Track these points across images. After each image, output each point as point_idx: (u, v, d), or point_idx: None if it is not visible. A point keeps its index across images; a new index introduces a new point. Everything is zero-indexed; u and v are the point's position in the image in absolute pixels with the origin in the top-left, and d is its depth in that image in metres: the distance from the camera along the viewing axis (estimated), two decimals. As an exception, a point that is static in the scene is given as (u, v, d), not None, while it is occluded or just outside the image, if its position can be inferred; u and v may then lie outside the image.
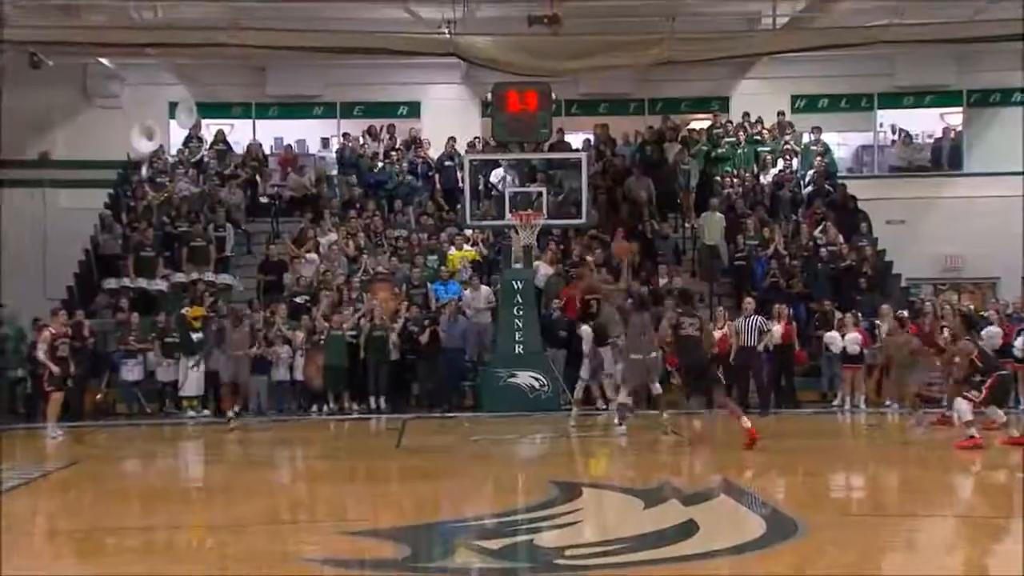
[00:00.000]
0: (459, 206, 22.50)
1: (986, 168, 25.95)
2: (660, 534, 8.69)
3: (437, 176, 24.49)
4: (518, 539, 8.65)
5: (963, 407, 13.44)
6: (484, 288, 20.44)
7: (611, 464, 14.21)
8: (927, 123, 26.87)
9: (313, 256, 21.68)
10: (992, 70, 25.86)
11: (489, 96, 22.65)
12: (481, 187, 21.99)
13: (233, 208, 23.41)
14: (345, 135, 25.41)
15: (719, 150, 24.82)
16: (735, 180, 24.18)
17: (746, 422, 13.78)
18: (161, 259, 21.77)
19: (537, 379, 19.35)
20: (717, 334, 18.37)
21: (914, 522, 9.68)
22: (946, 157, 26.58)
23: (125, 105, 25.77)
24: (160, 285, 21.42)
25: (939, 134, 26.79)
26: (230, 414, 18.34)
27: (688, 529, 8.79)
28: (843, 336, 19.46)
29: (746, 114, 25.36)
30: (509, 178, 22.08)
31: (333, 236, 22.27)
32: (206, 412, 19.58)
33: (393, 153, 24.64)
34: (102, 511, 10.51)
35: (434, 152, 24.93)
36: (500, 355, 19.77)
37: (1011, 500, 10.77)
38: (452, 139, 24.48)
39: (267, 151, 25.76)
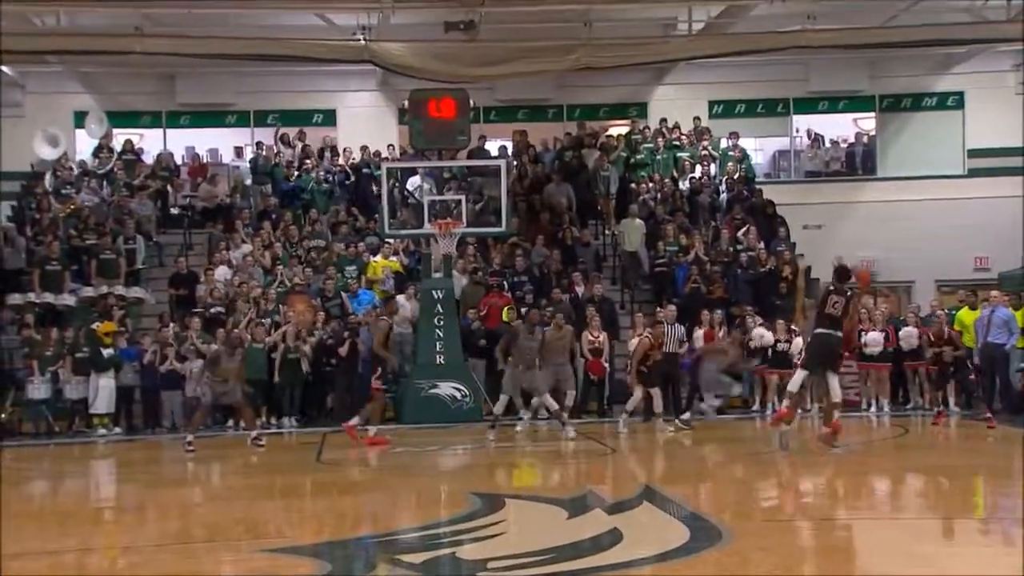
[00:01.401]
0: (376, 215, 22.24)
1: (899, 172, 26.35)
2: (583, 544, 8.54)
3: (354, 184, 24.19)
4: (440, 552, 8.45)
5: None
6: (403, 305, 20.03)
7: (534, 475, 14.04)
8: (841, 128, 27.20)
9: (225, 269, 21.21)
10: (904, 75, 26.35)
11: (406, 103, 22.41)
12: (398, 195, 21.72)
13: (143, 220, 22.85)
14: (259, 144, 24.98)
15: (638, 156, 24.87)
16: (654, 186, 24.21)
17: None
18: (68, 273, 21.14)
19: (459, 389, 19.14)
20: (634, 341, 18.55)
21: (838, 525, 9.63)
22: (860, 162, 26.94)
23: (28, 114, 25.08)
24: (68, 300, 20.79)
25: (852, 139, 27.14)
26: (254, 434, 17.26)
27: (612, 538, 8.66)
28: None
29: (664, 120, 25.45)
30: (427, 186, 21.86)
31: (247, 247, 21.84)
32: (117, 430, 19.02)
33: (308, 161, 24.26)
34: (5, 535, 10.02)
35: (352, 160, 24.63)
36: (421, 366, 19.52)
37: (945, 501, 10.79)
38: (365, 148, 24.20)
39: (179, 161, 25.22)
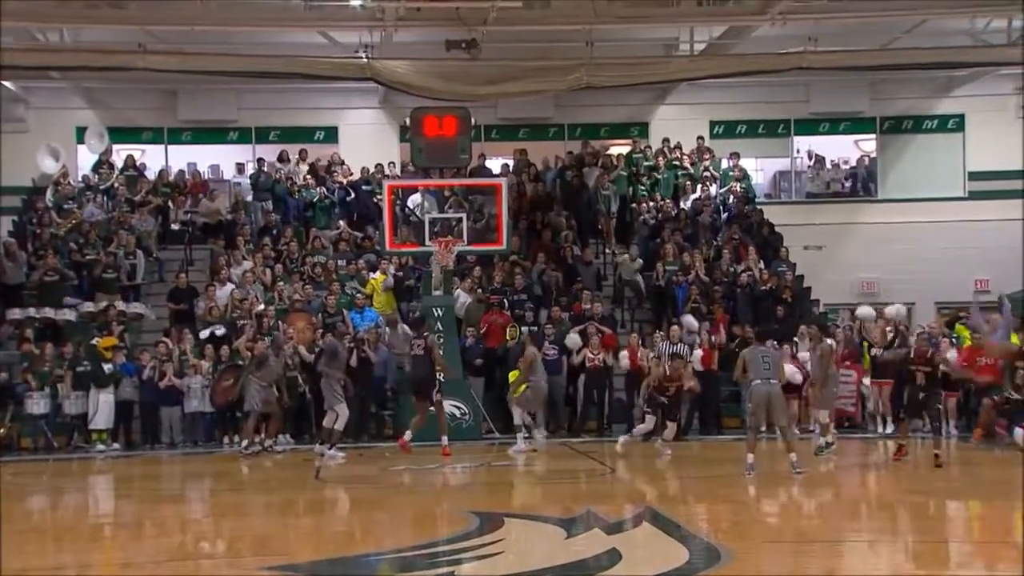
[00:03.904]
0: (376, 232, 22.24)
1: (900, 194, 26.37)
2: (582, 563, 8.51)
3: (354, 201, 24.21)
4: (439, 571, 8.42)
5: None
6: (402, 327, 19.98)
7: (533, 493, 14.01)
8: (842, 150, 27.24)
9: (227, 287, 21.21)
10: (905, 98, 26.39)
11: (407, 121, 22.45)
12: (399, 212, 21.75)
13: (144, 235, 22.85)
14: (260, 160, 25.01)
15: (639, 175, 24.90)
16: (654, 205, 24.23)
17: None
18: (69, 287, 21.14)
19: (458, 407, 19.09)
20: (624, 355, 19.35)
21: (837, 548, 9.60)
22: (861, 183, 26.97)
23: (31, 129, 25.09)
24: (68, 315, 20.79)
25: (854, 161, 27.18)
26: (260, 441, 17.57)
27: (611, 558, 8.63)
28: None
29: (665, 140, 25.49)
30: (427, 203, 21.89)
31: (248, 264, 21.85)
32: (116, 445, 19.00)
33: (309, 178, 24.29)
34: (6, 552, 9.99)
35: (352, 177, 24.66)
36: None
37: (943, 524, 10.78)
38: (364, 167, 24.26)
39: (182, 176, 25.20)
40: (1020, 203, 24.88)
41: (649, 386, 16.66)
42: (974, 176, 26.11)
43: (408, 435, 16.30)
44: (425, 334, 16.82)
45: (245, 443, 17.53)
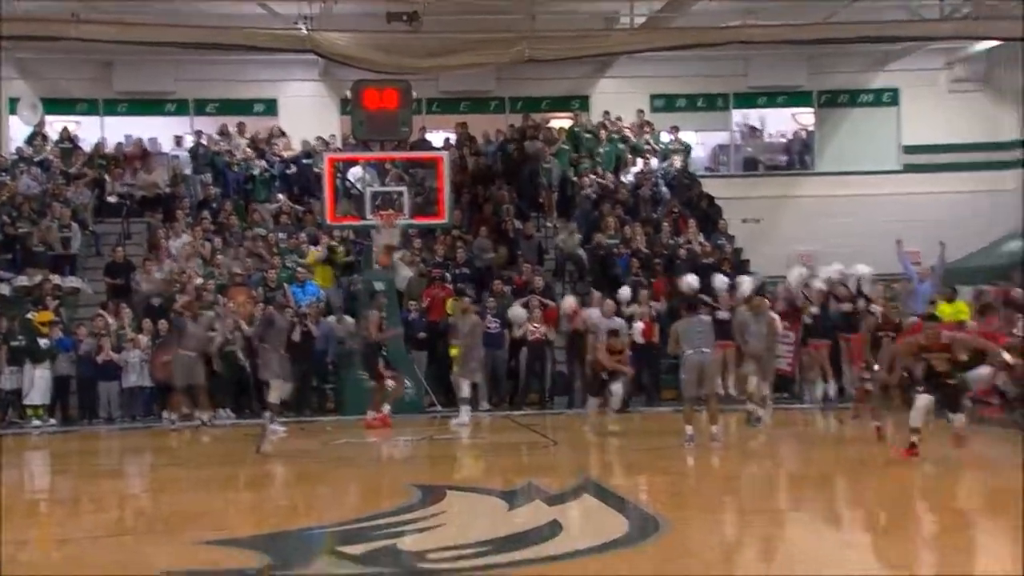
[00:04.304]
0: (318, 205, 22.14)
1: (837, 167, 26.70)
2: (523, 535, 8.59)
3: (295, 175, 24.03)
4: (381, 544, 8.45)
5: None
6: (348, 319, 19.91)
7: (475, 466, 14.09)
8: (780, 123, 27.50)
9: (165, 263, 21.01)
10: (841, 71, 26.67)
11: (348, 94, 22.30)
12: (340, 185, 21.62)
13: (79, 208, 22.52)
14: (198, 133, 24.72)
15: (580, 149, 24.96)
16: (596, 179, 24.32)
17: None
18: (2, 261, 20.80)
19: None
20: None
21: (775, 517, 9.77)
22: (798, 156, 27.27)
23: (-40, 100, 24.60)
24: (2, 289, 20.46)
25: (791, 134, 27.46)
26: (174, 417, 17.56)
27: (551, 530, 8.72)
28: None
29: (606, 113, 25.57)
30: (368, 177, 21.78)
31: (187, 237, 21.63)
32: (52, 421, 18.79)
33: (249, 151, 24.05)
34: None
35: (292, 151, 24.47)
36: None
37: (879, 496, 10.98)
38: (304, 140, 24.07)
39: (118, 148, 24.84)
40: (953, 176, 25.35)
41: (591, 364, 16.66)
42: (908, 150, 26.51)
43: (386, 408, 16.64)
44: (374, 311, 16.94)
45: (175, 417, 17.49)
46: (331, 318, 19.92)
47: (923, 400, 11.94)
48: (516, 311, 19.90)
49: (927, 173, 25.87)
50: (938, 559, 7.97)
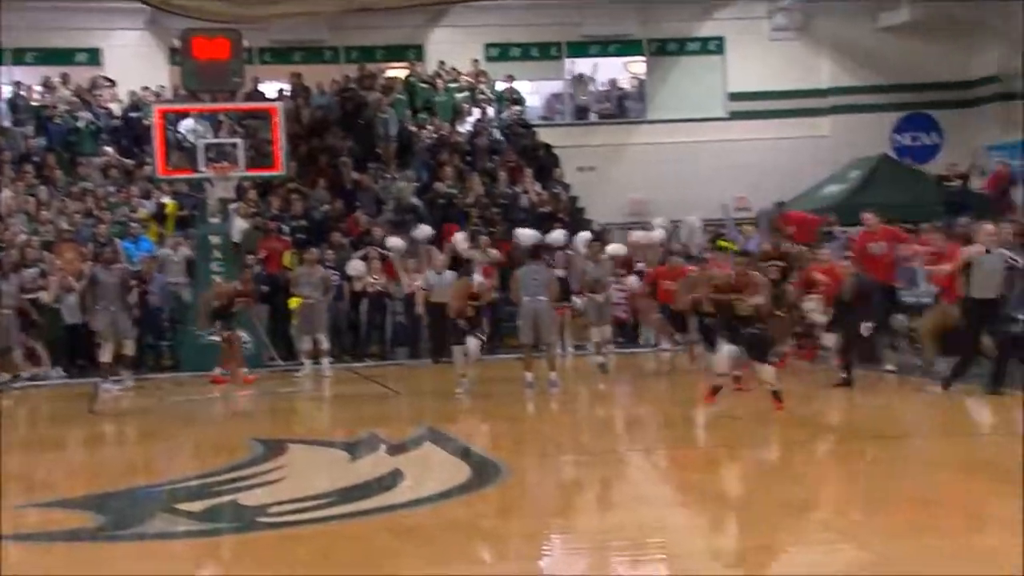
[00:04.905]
0: (148, 159, 21.53)
1: (667, 115, 27.27)
2: (365, 486, 8.68)
3: (123, 127, 23.31)
4: (221, 500, 8.45)
5: None
6: (183, 248, 19.61)
7: (316, 419, 14.09)
8: (613, 72, 27.90)
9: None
10: (670, 20, 27.16)
11: (176, 43, 21.67)
12: (171, 138, 21.07)
13: None
14: (18, 83, 23.68)
15: (416, 99, 24.88)
16: (433, 129, 24.31)
17: None
18: None
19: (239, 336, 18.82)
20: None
21: (615, 459, 10.09)
22: (631, 105, 27.74)
23: None
24: None
25: (624, 82, 27.91)
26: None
27: (394, 479, 8.84)
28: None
29: (441, 63, 25.51)
30: (201, 129, 21.28)
31: (8, 192, 20.79)
32: None
33: (75, 101, 23.18)
34: None
35: (118, 102, 23.71)
36: (198, 313, 19.12)
37: (714, 433, 11.42)
38: (132, 90, 23.35)
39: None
40: (774, 123, 26.26)
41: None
42: (733, 97, 27.25)
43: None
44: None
45: (8, 377, 16.98)
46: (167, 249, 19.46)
47: (725, 348, 11.82)
48: (355, 264, 19.85)
49: (751, 120, 26.68)
50: (745, 489, 8.41)
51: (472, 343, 14.27)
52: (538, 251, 17.31)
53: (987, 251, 12.33)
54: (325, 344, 17.68)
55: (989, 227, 12.82)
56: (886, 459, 9.50)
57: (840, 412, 12.44)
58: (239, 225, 20.21)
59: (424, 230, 20.29)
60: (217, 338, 16.79)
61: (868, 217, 15.65)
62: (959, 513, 7.45)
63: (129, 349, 16.73)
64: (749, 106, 26.80)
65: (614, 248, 19.01)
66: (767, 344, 11.83)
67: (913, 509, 7.51)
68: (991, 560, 6.07)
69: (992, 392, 12.13)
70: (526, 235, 19.67)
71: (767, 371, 11.53)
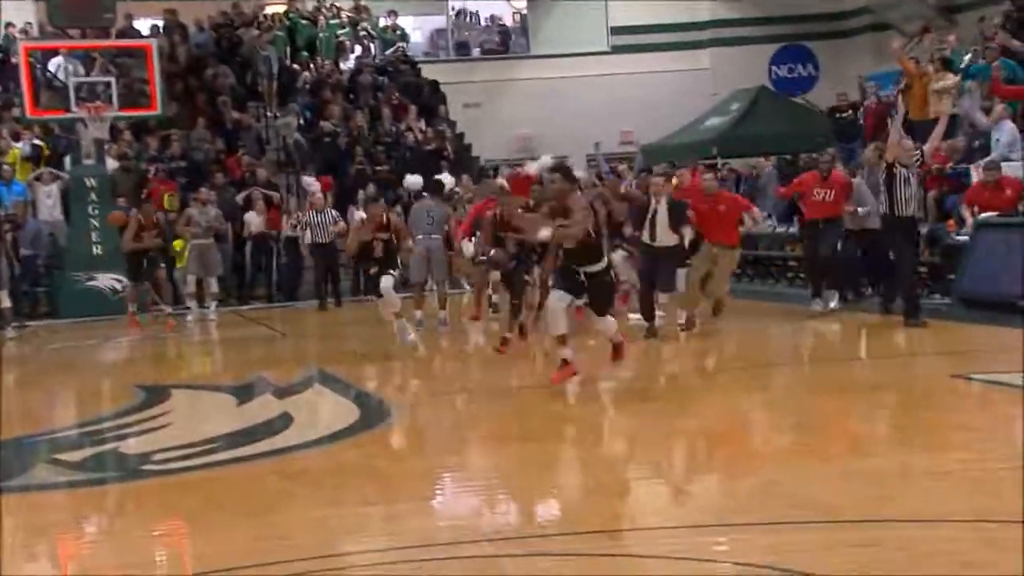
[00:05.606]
0: (16, 99, 20.74)
1: (550, 50, 27.22)
2: (253, 430, 8.58)
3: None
4: (103, 448, 8.28)
5: None
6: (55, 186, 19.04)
7: (202, 363, 13.87)
8: (496, 7, 27.68)
9: None
10: (551, -46, 27.10)
11: (42, -23, 20.83)
12: (40, 76, 20.28)
13: None
14: None
15: (297, 35, 24.37)
16: (315, 66, 23.86)
17: None
18: None
19: (119, 281, 18.38)
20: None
21: (501, 395, 10.11)
22: (514, 40, 27.60)
23: None
24: None
25: (507, 18, 27.72)
26: None
27: (282, 422, 8.75)
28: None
29: (320, -2, 25.04)
30: (71, 67, 20.53)
31: None
32: None
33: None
34: None
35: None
36: (75, 257, 18.63)
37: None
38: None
39: None
40: (656, 56, 26.41)
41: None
42: (616, 31, 27.30)
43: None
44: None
45: None
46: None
47: (555, 297, 9.34)
48: (250, 216, 19.41)
49: (633, 54, 26.78)
50: (638, 423, 8.54)
51: (386, 280, 13.80)
52: (437, 188, 16.94)
53: (905, 167, 11.63)
54: (215, 287, 17.37)
55: (908, 142, 12.05)
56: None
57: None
58: (110, 165, 19.69)
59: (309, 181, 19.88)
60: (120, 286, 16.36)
61: (683, 173, 14.48)
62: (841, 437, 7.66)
63: (4, 302, 16.15)
64: (631, 40, 26.92)
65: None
66: (604, 292, 9.42)
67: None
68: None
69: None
70: (412, 181, 19.43)
71: (606, 324, 9.53)
